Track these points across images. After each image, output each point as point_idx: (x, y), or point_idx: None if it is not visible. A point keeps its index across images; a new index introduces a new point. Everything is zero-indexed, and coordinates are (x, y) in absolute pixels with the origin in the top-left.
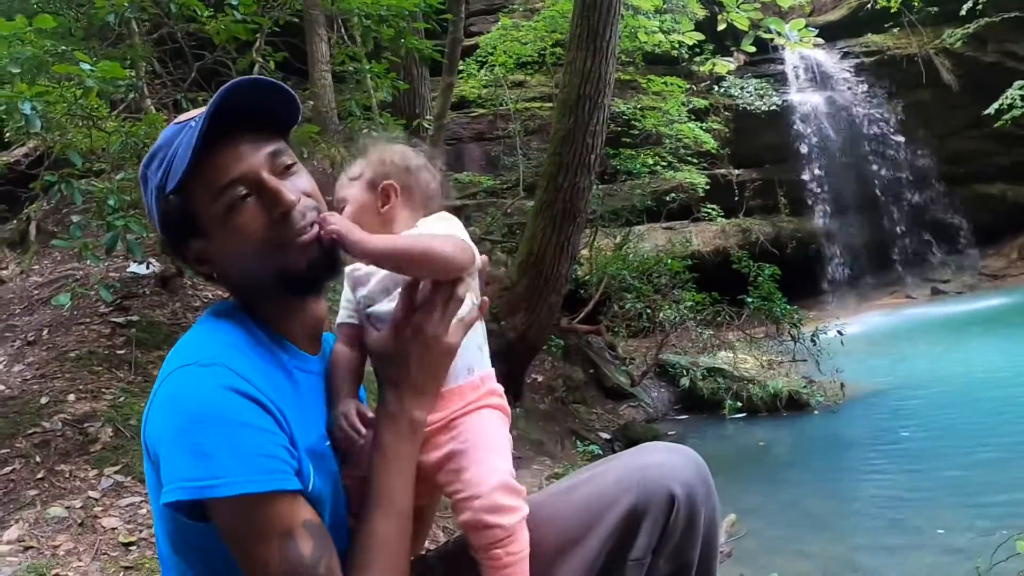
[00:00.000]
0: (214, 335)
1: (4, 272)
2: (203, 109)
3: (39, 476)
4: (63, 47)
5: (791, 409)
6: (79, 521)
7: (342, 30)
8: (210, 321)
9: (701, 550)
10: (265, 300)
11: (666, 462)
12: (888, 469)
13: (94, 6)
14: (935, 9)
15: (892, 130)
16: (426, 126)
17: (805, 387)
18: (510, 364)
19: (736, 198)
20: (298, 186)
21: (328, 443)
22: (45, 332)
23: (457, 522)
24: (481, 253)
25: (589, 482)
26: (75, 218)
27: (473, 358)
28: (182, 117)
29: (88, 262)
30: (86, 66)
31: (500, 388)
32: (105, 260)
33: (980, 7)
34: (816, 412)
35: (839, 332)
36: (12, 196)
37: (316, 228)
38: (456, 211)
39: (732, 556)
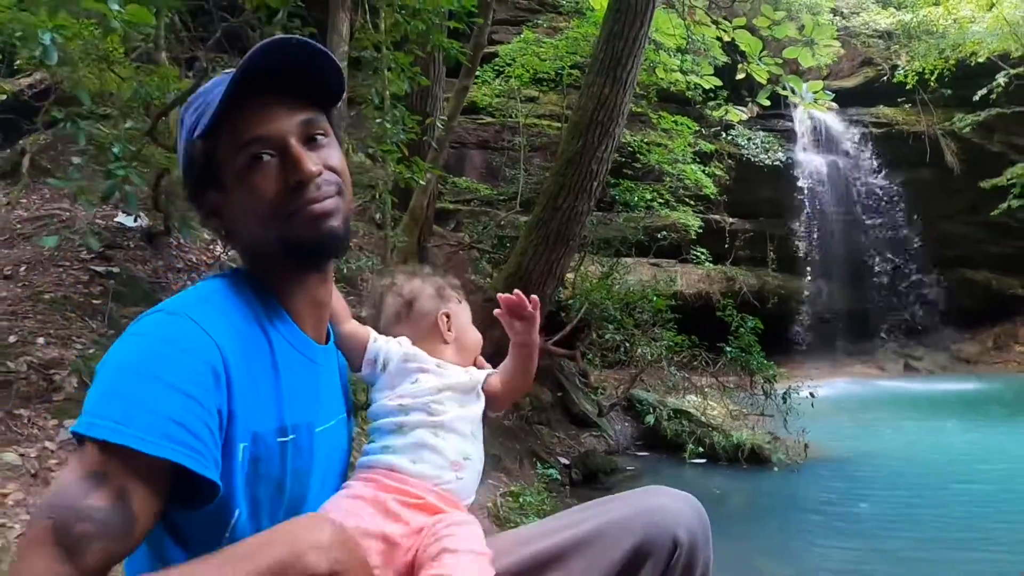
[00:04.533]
0: (198, 290)
1: None
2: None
3: None
4: None
5: (752, 462)
6: (32, 471)
7: (367, 15)
8: (206, 280)
9: None
10: (270, 267)
11: (671, 507)
12: (842, 538)
13: None
14: (949, 91)
15: (888, 203)
16: (439, 125)
17: (769, 442)
18: None
19: (726, 245)
20: (324, 158)
21: (291, 439)
22: (22, 269)
23: None
24: (472, 260)
25: (590, 519)
26: (75, 159)
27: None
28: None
29: (78, 204)
30: (115, 5)
31: None
32: (96, 206)
33: (994, 96)
34: (776, 469)
35: (811, 394)
36: (11, 125)
37: (329, 202)
38: (448, 216)
39: None
